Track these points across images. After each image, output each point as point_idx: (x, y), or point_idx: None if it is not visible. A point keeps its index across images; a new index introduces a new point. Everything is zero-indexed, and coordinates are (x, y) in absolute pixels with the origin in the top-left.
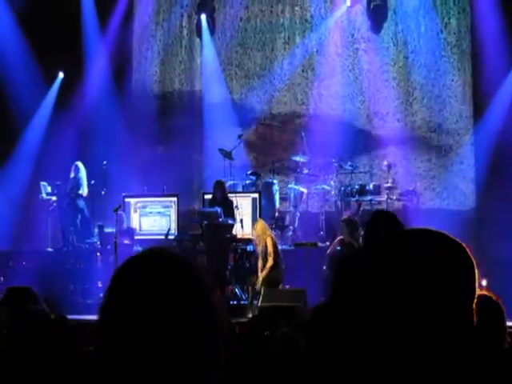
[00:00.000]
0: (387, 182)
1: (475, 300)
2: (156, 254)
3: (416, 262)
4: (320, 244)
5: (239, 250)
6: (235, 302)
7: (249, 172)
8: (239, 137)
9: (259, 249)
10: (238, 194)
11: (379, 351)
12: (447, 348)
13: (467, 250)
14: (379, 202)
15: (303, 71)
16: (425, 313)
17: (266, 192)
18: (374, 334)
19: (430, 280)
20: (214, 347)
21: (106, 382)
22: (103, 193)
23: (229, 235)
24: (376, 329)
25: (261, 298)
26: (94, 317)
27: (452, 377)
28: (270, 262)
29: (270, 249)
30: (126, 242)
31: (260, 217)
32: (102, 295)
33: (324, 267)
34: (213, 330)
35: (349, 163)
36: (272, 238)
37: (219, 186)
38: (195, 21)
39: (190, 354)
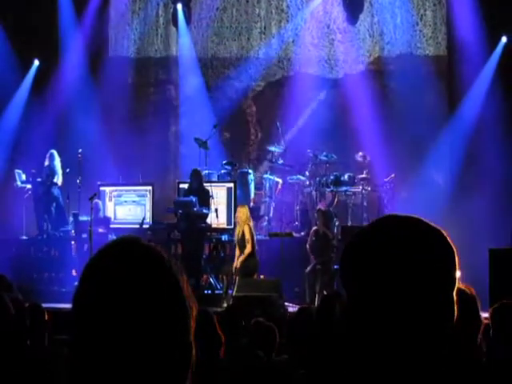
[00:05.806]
0: (362, 173)
1: (455, 290)
2: (128, 243)
3: (393, 247)
4: (295, 234)
5: (214, 240)
6: (210, 292)
7: (224, 162)
8: (214, 126)
9: (237, 230)
10: (213, 184)
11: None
12: (425, 340)
13: (446, 235)
14: (354, 193)
15: (279, 61)
16: (403, 301)
17: (241, 182)
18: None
19: (407, 267)
20: (185, 337)
21: (78, 372)
22: (78, 181)
23: (204, 224)
24: (356, 322)
25: (235, 288)
26: (68, 305)
27: (428, 371)
28: (249, 248)
29: (248, 236)
30: (101, 230)
31: (236, 206)
32: (76, 284)
33: (311, 257)
34: (184, 320)
35: (324, 154)
36: (250, 227)
37: (196, 175)
38: (171, 10)
39: (161, 343)
